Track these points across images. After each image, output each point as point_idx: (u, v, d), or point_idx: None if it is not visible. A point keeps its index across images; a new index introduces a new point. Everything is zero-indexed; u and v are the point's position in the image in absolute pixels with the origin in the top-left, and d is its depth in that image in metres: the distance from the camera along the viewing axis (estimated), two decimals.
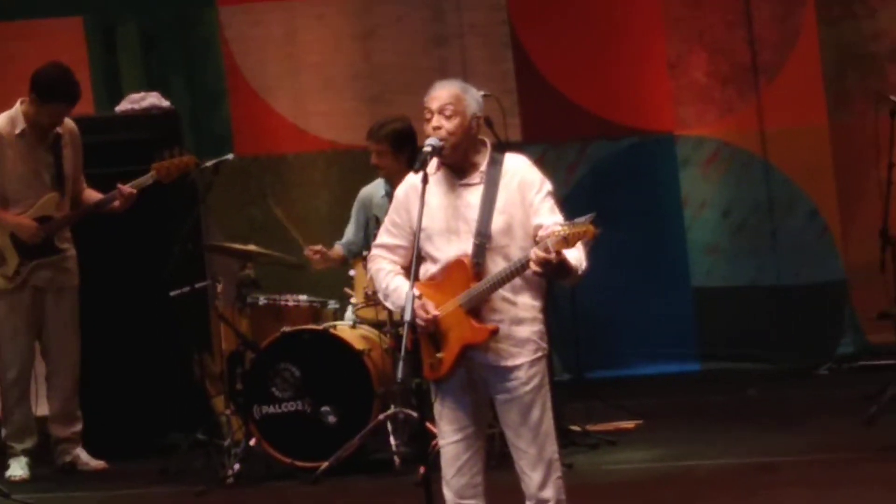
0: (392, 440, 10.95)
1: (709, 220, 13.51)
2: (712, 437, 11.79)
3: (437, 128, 7.99)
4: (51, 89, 11.57)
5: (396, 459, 10.96)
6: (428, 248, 8.07)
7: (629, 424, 12.04)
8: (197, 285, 11.81)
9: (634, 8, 13.47)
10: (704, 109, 13.46)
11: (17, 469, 11.76)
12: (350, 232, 11.51)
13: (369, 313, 11.25)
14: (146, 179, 11.55)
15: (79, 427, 11.87)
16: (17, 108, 11.66)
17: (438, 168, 8.08)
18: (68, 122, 11.80)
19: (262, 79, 13.70)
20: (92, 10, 13.81)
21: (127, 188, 11.40)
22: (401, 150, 10.95)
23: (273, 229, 12.59)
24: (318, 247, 11.47)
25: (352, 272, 11.44)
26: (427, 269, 8.14)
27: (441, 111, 7.98)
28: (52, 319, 11.76)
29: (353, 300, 11.45)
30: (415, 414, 8.93)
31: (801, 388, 12.98)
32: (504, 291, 7.99)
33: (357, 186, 11.70)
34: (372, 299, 10.89)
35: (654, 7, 13.42)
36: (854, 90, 13.07)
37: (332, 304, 11.68)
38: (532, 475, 8.09)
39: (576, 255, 7.81)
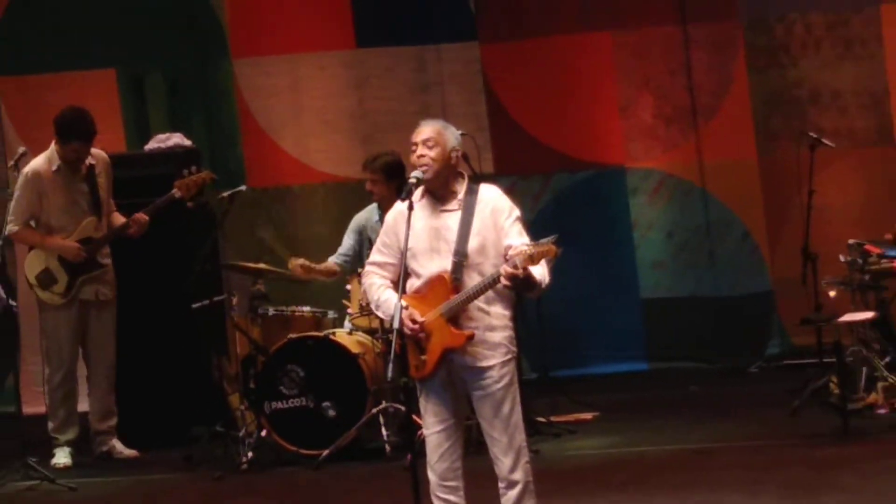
0: (383, 431, 11.09)
1: (655, 241, 13.55)
2: (659, 427, 11.85)
3: (422, 156, 8.16)
4: (68, 130, 11.69)
5: (387, 448, 11.06)
6: (413, 265, 8.19)
7: (587, 416, 12.14)
8: (215, 299, 11.87)
9: (590, 59, 13.50)
10: (651, 146, 13.51)
11: (62, 457, 11.80)
12: (344, 247, 11.55)
13: (363, 322, 11.34)
14: (170, 196, 11.59)
15: (114, 421, 11.97)
16: (52, 148, 11.76)
17: (423, 196, 8.24)
18: (101, 154, 11.94)
19: (270, 121, 13.71)
20: (123, 63, 13.81)
21: (141, 215, 11.53)
22: (392, 178, 11.03)
23: (280, 251, 12.63)
24: (301, 260, 11.51)
25: (348, 287, 11.56)
26: (412, 284, 8.26)
27: (425, 143, 8.16)
28: (94, 329, 11.85)
29: (349, 311, 11.56)
30: (403, 408, 8.97)
31: (734, 384, 13.08)
32: (479, 302, 8.13)
33: (352, 213, 11.78)
34: (366, 310, 10.92)
35: (606, 58, 13.45)
36: (779, 129, 13.12)
37: (332, 314, 11.77)
38: (504, 460, 8.17)
39: (540, 272, 7.97)
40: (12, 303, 11.73)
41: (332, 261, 11.57)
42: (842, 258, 11.56)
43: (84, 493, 11.12)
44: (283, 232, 13.11)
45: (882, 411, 11.21)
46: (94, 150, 11.77)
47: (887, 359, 11.51)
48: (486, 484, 8.35)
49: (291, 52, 13.78)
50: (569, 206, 13.33)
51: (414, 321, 8.03)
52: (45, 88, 13.13)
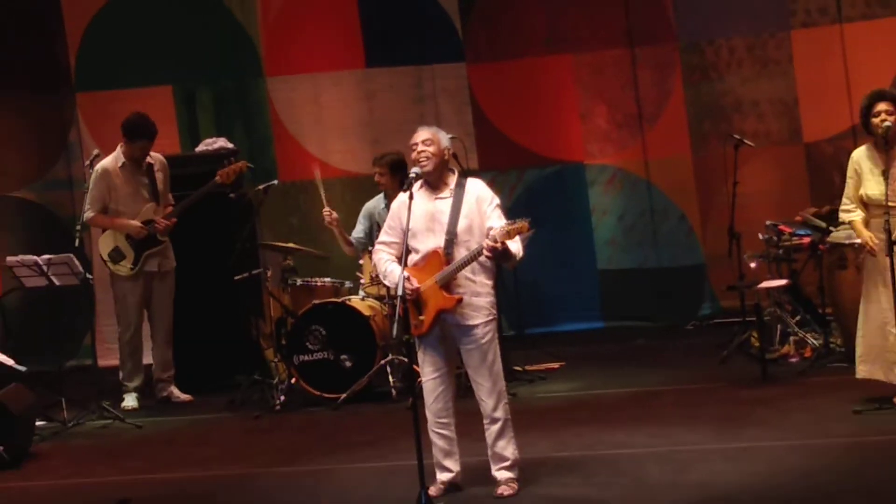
0: (390, 378, 11.31)
1: (608, 223, 13.67)
2: (613, 374, 12.02)
3: (422, 151, 8.38)
4: (134, 131, 11.84)
5: (393, 392, 11.25)
6: (413, 243, 8.45)
7: (555, 365, 12.31)
8: (253, 272, 12.03)
9: (555, 76, 13.65)
10: (605, 146, 13.62)
11: (130, 401, 12.02)
12: (357, 230, 11.63)
13: (373, 290, 11.51)
14: (213, 182, 11.77)
15: (172, 371, 12.20)
16: (119, 149, 11.92)
17: (421, 187, 8.47)
18: (158, 156, 12.12)
19: (296, 128, 13.79)
20: (177, 80, 13.91)
21: (163, 221, 11.74)
22: (396, 173, 11.14)
23: (306, 233, 12.68)
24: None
25: (360, 262, 11.65)
26: (412, 258, 8.44)
27: (424, 142, 8.46)
28: (157, 295, 12.05)
29: (362, 281, 11.71)
30: (405, 360, 8.92)
31: (674, 339, 13.18)
32: (466, 272, 8.36)
33: (363, 201, 11.88)
34: (375, 280, 11.10)
35: (568, 76, 13.59)
36: (709, 132, 13.26)
37: (348, 284, 11.96)
38: (488, 401, 8.41)
39: (515, 246, 8.25)
40: (88, 276, 11.75)
41: (348, 237, 11.63)
42: (760, 236, 11.80)
43: (147, 431, 11.33)
44: (307, 217, 13.18)
45: (793, 360, 11.56)
46: (153, 154, 11.88)
47: (797, 318, 11.83)
48: (473, 421, 8.54)
49: (313, 72, 13.86)
50: (539, 195, 13.47)
51: (413, 287, 8.17)
52: (114, 102, 13.24)
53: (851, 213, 9.50)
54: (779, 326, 11.62)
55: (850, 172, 9.56)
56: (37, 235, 13.57)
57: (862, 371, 9.56)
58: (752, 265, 11.74)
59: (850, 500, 7.85)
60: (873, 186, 9.30)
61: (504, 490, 8.30)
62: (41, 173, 14.08)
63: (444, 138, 8.47)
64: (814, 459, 8.67)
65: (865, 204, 9.38)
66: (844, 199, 9.57)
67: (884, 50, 12.84)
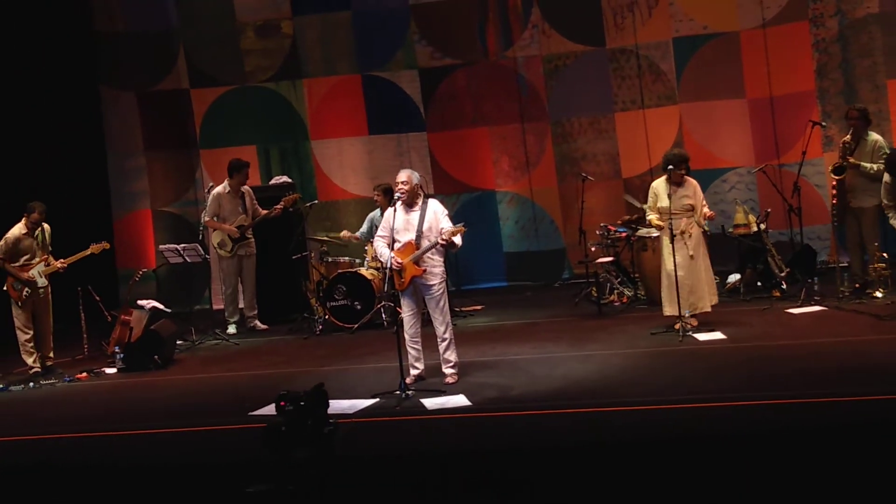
0: (383, 315, 11.28)
1: (509, 225, 13.72)
2: (511, 312, 11.94)
3: (400, 187, 8.51)
4: (236, 168, 11.77)
5: (385, 323, 11.16)
6: (397, 237, 8.59)
7: (478, 307, 12.23)
8: (303, 253, 12.04)
9: (479, 141, 13.67)
10: (507, 180, 13.70)
11: (232, 329, 12.00)
12: (363, 229, 11.58)
13: (374, 264, 11.32)
14: (277, 207, 11.74)
15: (255, 311, 12.17)
16: (225, 181, 11.84)
17: (402, 205, 8.41)
18: (247, 188, 11.98)
19: (328, 169, 13.82)
20: (259, 142, 13.92)
21: (233, 229, 11.71)
22: (386, 196, 10.98)
23: (333, 230, 12.76)
24: (345, 232, 11.80)
25: (365, 248, 11.59)
26: (396, 245, 8.61)
27: (402, 182, 8.59)
28: (245, 268, 11.98)
29: (368, 259, 11.52)
30: (392, 304, 8.86)
31: (547, 292, 13.05)
32: (428, 254, 8.57)
33: (367, 212, 11.90)
34: (374, 260, 11.04)
35: (486, 141, 13.64)
36: (567, 172, 13.29)
37: (359, 261, 11.80)
38: (439, 328, 8.68)
39: (457, 240, 8.36)
40: (207, 256, 11.77)
41: (356, 234, 11.58)
42: (597, 232, 11.78)
43: (242, 347, 11.34)
44: (335, 222, 13.14)
45: (616, 304, 11.56)
46: (244, 187, 11.76)
47: (619, 279, 11.78)
48: (431, 340, 8.67)
49: (338, 137, 13.80)
50: (469, 209, 13.41)
51: (397, 262, 8.22)
52: (221, 155, 13.14)
53: (651, 215, 9.75)
54: (608, 284, 11.60)
55: (651, 193, 9.80)
56: (177, 232, 13.56)
57: (666, 310, 9.66)
58: (593, 249, 11.73)
59: (636, 382, 8.04)
60: (665, 201, 9.53)
61: (449, 379, 8.41)
62: (179, 196, 14.03)
63: (415, 176, 8.55)
64: (627, 360, 8.80)
65: (660, 212, 9.56)
66: (647, 208, 9.83)
67: (669, 126, 12.87)
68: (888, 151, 9.90)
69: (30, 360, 10.22)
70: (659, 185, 9.69)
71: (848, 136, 10.15)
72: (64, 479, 7.02)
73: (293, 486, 5.52)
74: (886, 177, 9.40)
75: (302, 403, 5.78)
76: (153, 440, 7.75)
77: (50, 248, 10.22)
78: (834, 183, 10.24)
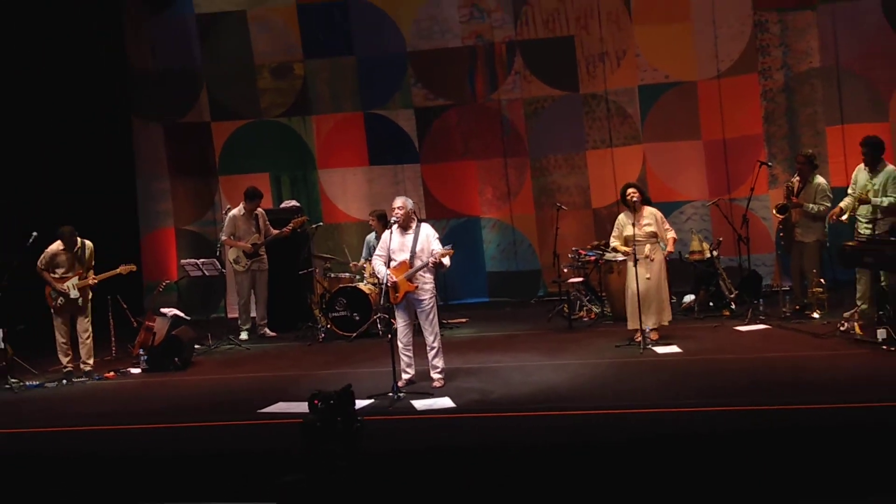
0: (379, 325, 11.00)
1: (491, 248, 13.62)
2: (493, 324, 11.86)
3: (396, 212, 8.62)
4: (249, 195, 11.78)
5: (381, 333, 10.90)
6: (393, 256, 8.58)
7: (463, 320, 12.15)
8: (309, 269, 11.98)
9: (466, 173, 13.54)
10: (490, 208, 13.62)
11: (244, 335, 11.84)
12: (363, 253, 11.53)
13: (372, 280, 11.28)
14: (286, 229, 11.76)
15: (266, 320, 12.06)
16: (241, 204, 11.82)
17: (397, 228, 8.28)
18: (261, 210, 11.95)
19: (332, 195, 13.75)
20: (271, 170, 13.74)
21: (248, 246, 11.66)
22: (381, 221, 11.04)
23: (335, 251, 12.62)
24: (354, 264, 11.60)
25: (365, 265, 11.46)
26: (392, 264, 8.57)
27: (398, 207, 8.49)
28: (258, 282, 11.91)
29: (367, 276, 11.47)
30: (387, 316, 8.88)
31: (525, 308, 12.87)
32: (420, 273, 8.41)
33: (364, 234, 11.87)
34: (373, 276, 10.98)
35: (473, 173, 13.51)
36: (544, 202, 13.24)
37: (358, 277, 11.68)
38: (429, 337, 8.74)
39: (446, 260, 8.38)
40: (223, 270, 11.73)
41: (361, 262, 11.56)
42: (569, 255, 11.74)
43: (253, 351, 11.27)
44: (337, 242, 13.04)
45: (585, 319, 11.46)
46: (258, 210, 11.74)
47: (587, 297, 11.76)
48: (421, 348, 8.64)
49: (342, 167, 13.70)
50: (456, 233, 13.27)
51: (392, 279, 8.14)
52: (238, 181, 13.07)
53: (616, 243, 9.80)
54: (578, 302, 11.55)
55: (616, 226, 9.92)
56: (197, 249, 13.46)
57: (630, 324, 9.69)
58: (565, 270, 11.68)
59: (602, 389, 8.04)
60: (629, 230, 9.57)
61: (437, 383, 8.42)
62: (199, 216, 13.92)
63: (409, 203, 8.56)
64: (594, 370, 8.80)
65: (626, 240, 9.60)
66: (613, 238, 9.89)
67: (633, 163, 12.83)
68: (829, 194, 10.15)
69: (64, 360, 10.15)
70: (623, 217, 9.80)
71: (795, 179, 10.32)
72: (90, 466, 6.99)
73: (344, 463, 5.53)
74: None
75: (332, 402, 5.80)
76: (173, 433, 7.77)
77: (91, 265, 10.16)
78: (780, 219, 10.40)
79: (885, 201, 9.20)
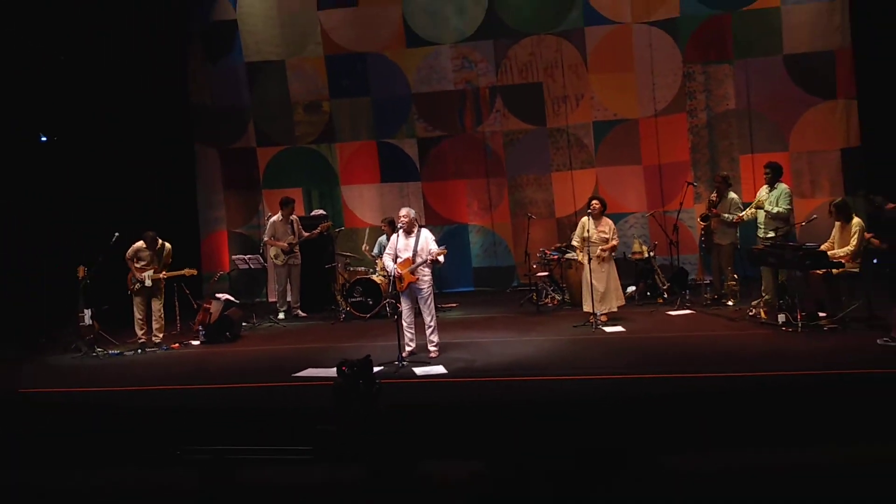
0: (388, 309, 10.97)
1: (476, 247, 13.43)
2: (477, 308, 11.73)
3: (402, 220, 8.47)
4: (286, 205, 11.69)
5: (389, 314, 10.87)
6: (399, 254, 8.34)
7: (454, 304, 12.03)
8: (333, 264, 11.90)
9: (457, 189, 13.36)
10: (476, 217, 13.39)
11: (281, 315, 11.70)
12: (375, 250, 11.47)
13: (382, 273, 11.18)
14: (316, 231, 11.65)
15: (299, 303, 11.88)
16: (280, 212, 11.70)
17: (402, 231, 8.20)
18: (295, 217, 11.87)
19: (352, 206, 13.60)
20: (303, 185, 13.57)
21: (285, 245, 11.49)
22: (391, 225, 10.93)
23: (355, 250, 12.49)
24: (366, 246, 11.55)
25: (377, 261, 11.35)
26: (398, 260, 8.34)
27: (403, 216, 8.42)
28: (293, 274, 11.76)
29: (378, 270, 11.39)
30: (394, 301, 8.86)
31: (502, 295, 12.71)
32: (420, 268, 8.28)
33: (377, 237, 11.75)
34: (383, 270, 10.78)
35: (463, 190, 13.34)
36: (518, 212, 13.08)
37: (372, 271, 11.62)
38: (427, 318, 8.75)
39: (441, 258, 8.30)
40: (265, 264, 11.68)
41: (372, 253, 11.46)
42: (538, 254, 11.72)
43: (288, 328, 11.14)
44: (355, 243, 12.92)
45: (550, 305, 11.33)
46: (292, 216, 11.69)
47: (551, 288, 11.62)
48: (421, 328, 8.48)
49: (359, 184, 13.58)
50: (449, 236, 13.12)
51: (398, 273, 8.09)
52: (277, 195, 12.82)
53: (576, 241, 9.92)
54: (544, 291, 11.47)
55: (580, 226, 10.02)
56: (244, 247, 13.40)
57: (585, 307, 9.71)
58: (534, 266, 11.63)
59: (563, 359, 8.02)
60: (588, 233, 9.55)
61: (433, 354, 8.42)
62: (247, 221, 13.74)
63: (412, 212, 8.55)
64: (556, 344, 8.80)
65: (584, 239, 9.62)
66: (575, 236, 9.96)
67: (588, 182, 12.74)
68: (740, 206, 10.22)
69: (140, 333, 10.25)
70: (586, 220, 9.83)
71: (714, 195, 10.43)
72: (159, 417, 7.00)
73: (365, 416, 5.54)
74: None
75: (356, 369, 5.82)
76: (225, 392, 7.80)
77: (168, 262, 10.28)
78: (702, 226, 10.43)
79: (776, 209, 9.38)
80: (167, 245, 10.30)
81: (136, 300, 10.23)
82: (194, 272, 10.46)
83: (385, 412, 6.05)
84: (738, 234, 10.28)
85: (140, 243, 10.19)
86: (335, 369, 6.01)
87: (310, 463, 5.18)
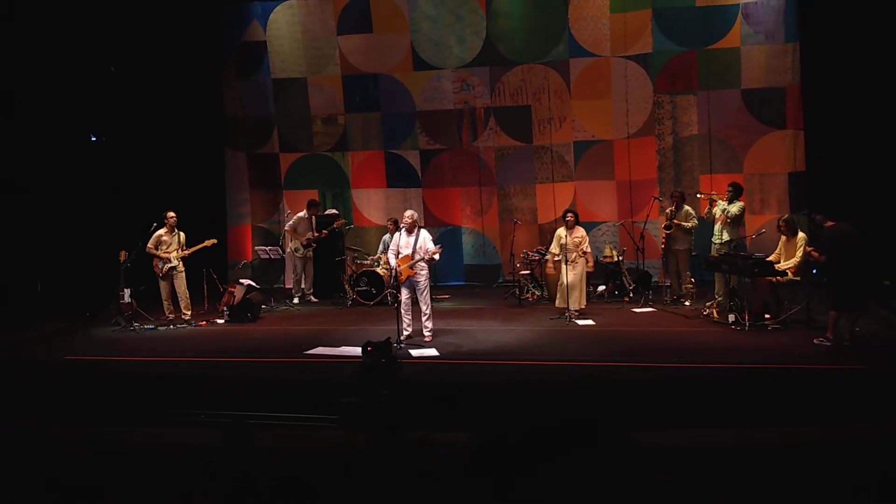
0: (389, 298, 10.92)
1: (468, 248, 13.40)
2: (467, 300, 11.68)
3: (406, 221, 8.35)
4: (309, 205, 11.68)
5: (390, 302, 10.79)
6: (400, 250, 8.24)
7: (447, 296, 12.00)
8: (342, 257, 11.84)
9: (453, 195, 13.29)
10: (469, 221, 13.37)
11: (296, 300, 11.68)
12: (380, 249, 11.43)
13: (385, 267, 11.17)
14: (333, 227, 11.59)
15: (312, 290, 11.86)
16: (305, 210, 11.68)
17: (404, 231, 8.15)
18: (314, 218, 11.76)
19: (360, 207, 13.56)
20: (320, 187, 13.49)
21: (306, 240, 11.46)
22: (395, 225, 10.87)
23: (363, 245, 12.46)
24: (372, 257, 11.48)
25: (382, 258, 11.35)
26: (400, 256, 8.23)
27: (407, 217, 8.29)
28: (308, 264, 11.73)
29: (381, 264, 11.36)
30: (395, 291, 8.84)
31: (488, 290, 12.68)
32: (419, 263, 8.21)
33: (382, 234, 11.66)
34: (386, 264, 10.88)
35: (457, 198, 13.30)
36: (506, 217, 13.07)
37: (377, 264, 11.57)
38: (423, 307, 8.70)
39: (437, 256, 8.21)
40: (284, 255, 11.63)
41: (379, 252, 11.39)
42: (521, 255, 11.68)
43: (302, 311, 11.09)
44: (363, 239, 12.90)
45: (531, 300, 11.30)
46: (313, 217, 11.67)
47: (532, 284, 11.60)
48: (417, 315, 8.44)
49: (368, 188, 13.53)
50: (445, 237, 13.08)
51: (399, 267, 8.05)
52: (297, 195, 12.89)
53: (554, 249, 9.84)
54: (525, 287, 11.46)
55: (556, 237, 9.96)
56: (266, 239, 13.38)
57: (558, 302, 9.71)
58: (517, 265, 11.66)
59: (540, 347, 7.99)
60: (566, 240, 9.55)
61: (427, 338, 8.38)
62: (268, 217, 13.67)
63: (414, 214, 8.52)
64: (535, 335, 8.77)
65: (561, 247, 9.61)
66: (553, 245, 9.97)
67: (567, 194, 12.74)
68: (694, 216, 10.44)
69: (167, 311, 10.36)
70: (560, 231, 9.86)
71: (672, 207, 10.53)
72: (187, 385, 6.99)
73: (387, 390, 5.53)
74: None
75: (379, 349, 5.82)
76: (247, 365, 7.78)
77: (184, 247, 10.33)
78: (664, 234, 10.46)
79: (730, 213, 9.52)
80: (181, 234, 10.36)
81: (162, 284, 10.26)
82: (215, 241, 10.44)
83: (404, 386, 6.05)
84: (692, 241, 10.49)
85: (162, 231, 10.23)
86: (360, 349, 6.00)
87: (325, 430, 5.20)
